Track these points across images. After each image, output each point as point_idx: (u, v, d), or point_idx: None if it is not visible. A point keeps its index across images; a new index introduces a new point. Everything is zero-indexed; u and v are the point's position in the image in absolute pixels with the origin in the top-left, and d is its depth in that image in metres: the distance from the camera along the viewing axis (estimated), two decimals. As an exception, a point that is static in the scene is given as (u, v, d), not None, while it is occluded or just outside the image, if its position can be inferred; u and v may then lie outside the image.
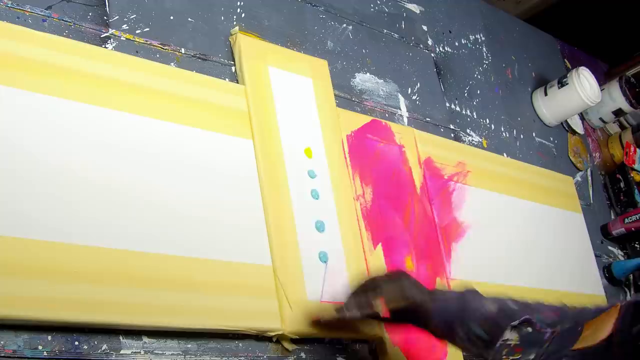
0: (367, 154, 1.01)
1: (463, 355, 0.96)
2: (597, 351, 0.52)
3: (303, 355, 0.82)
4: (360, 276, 0.82)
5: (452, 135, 1.23)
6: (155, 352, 0.70)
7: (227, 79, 0.91)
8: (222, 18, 0.95)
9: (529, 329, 0.62)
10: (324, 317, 0.79)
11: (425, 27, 1.29)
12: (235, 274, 0.77)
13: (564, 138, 1.50)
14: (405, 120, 1.15)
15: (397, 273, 0.79)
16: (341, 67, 1.08)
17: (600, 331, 0.53)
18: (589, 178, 1.52)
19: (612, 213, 1.53)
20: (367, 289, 0.77)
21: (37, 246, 0.65)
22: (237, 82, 0.91)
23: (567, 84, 1.41)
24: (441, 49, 1.30)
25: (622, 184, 1.52)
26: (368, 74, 1.12)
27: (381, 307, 0.75)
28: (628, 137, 1.60)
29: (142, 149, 0.76)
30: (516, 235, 1.20)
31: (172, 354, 0.71)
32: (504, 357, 0.62)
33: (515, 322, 0.63)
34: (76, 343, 0.66)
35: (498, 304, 0.70)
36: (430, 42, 1.28)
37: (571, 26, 1.89)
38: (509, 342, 0.62)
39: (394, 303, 0.75)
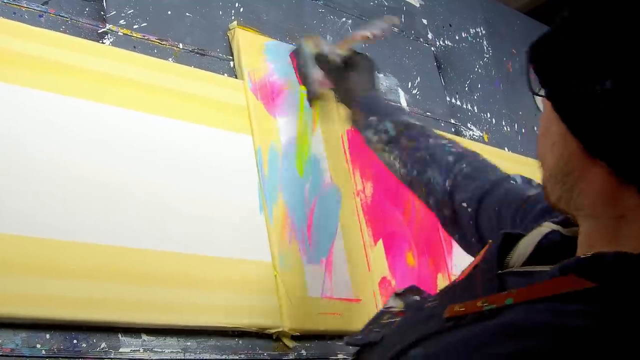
0: (367, 149, 1.00)
1: None
2: (461, 284, 0.51)
3: (303, 352, 0.81)
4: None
5: (453, 129, 1.22)
6: (155, 349, 0.70)
7: (225, 74, 0.90)
8: (220, 13, 0.94)
9: (416, 297, 0.62)
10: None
11: (425, 21, 1.28)
12: (234, 270, 0.77)
13: (566, 132, 1.49)
14: (406, 114, 1.14)
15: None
16: (341, 62, 1.07)
17: (469, 267, 0.52)
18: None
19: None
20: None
21: (35, 243, 0.64)
22: (236, 77, 0.90)
23: (568, 77, 1.40)
24: (441, 42, 1.29)
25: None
26: (368, 68, 1.11)
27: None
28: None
29: (139, 145, 0.76)
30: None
31: (171, 352, 0.71)
32: (383, 321, 0.60)
33: (401, 290, 0.63)
34: (75, 341, 0.65)
35: (425, 125, 0.81)
36: (430, 35, 1.28)
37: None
38: (392, 309, 0.61)
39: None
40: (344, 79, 0.86)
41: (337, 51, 0.89)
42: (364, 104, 0.82)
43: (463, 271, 0.53)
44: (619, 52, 0.39)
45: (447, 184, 0.72)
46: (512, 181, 0.69)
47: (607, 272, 0.41)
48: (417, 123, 0.80)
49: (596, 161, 0.42)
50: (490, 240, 0.53)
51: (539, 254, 0.49)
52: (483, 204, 0.68)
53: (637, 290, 0.40)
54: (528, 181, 0.69)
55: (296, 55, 0.92)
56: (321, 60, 0.90)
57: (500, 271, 0.48)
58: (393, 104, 0.84)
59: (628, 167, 0.41)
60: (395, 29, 1.07)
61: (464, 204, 0.70)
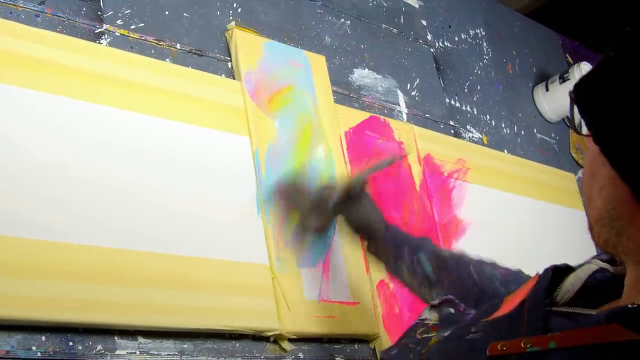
0: (365, 151, 1.00)
1: None
2: (507, 318, 0.50)
3: (301, 355, 0.81)
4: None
5: (452, 131, 1.22)
6: (151, 352, 0.70)
7: (223, 75, 0.90)
8: (218, 13, 0.94)
9: (451, 310, 0.61)
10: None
11: (424, 22, 1.28)
12: (231, 273, 0.77)
13: (566, 134, 1.49)
14: (405, 116, 1.14)
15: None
16: (339, 63, 1.07)
17: (515, 300, 0.51)
18: (591, 174, 1.50)
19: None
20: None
21: (30, 245, 0.64)
22: (234, 78, 0.90)
23: (568, 79, 1.40)
24: (441, 44, 1.29)
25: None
26: (366, 69, 1.11)
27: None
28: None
29: (136, 146, 0.75)
30: (517, 233, 1.19)
31: (168, 355, 0.71)
32: (418, 335, 0.59)
33: (436, 302, 0.62)
34: (70, 343, 0.65)
35: (456, 251, 0.75)
36: (429, 37, 1.27)
37: (572, 20, 1.87)
38: (426, 322, 0.60)
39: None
40: (349, 214, 0.79)
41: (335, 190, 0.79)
42: (388, 239, 0.77)
43: (507, 300, 0.52)
44: None
45: None
46: None
47: None
48: (448, 252, 0.76)
49: None
50: (538, 273, 0.53)
51: (586, 292, 0.49)
52: None
53: None
54: None
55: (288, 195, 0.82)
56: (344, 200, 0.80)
57: (547, 308, 0.48)
58: (412, 235, 0.78)
59: None
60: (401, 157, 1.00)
61: None
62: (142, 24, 0.85)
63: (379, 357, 0.84)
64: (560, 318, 0.46)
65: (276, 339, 0.79)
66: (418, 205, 1.03)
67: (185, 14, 0.90)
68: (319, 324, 0.81)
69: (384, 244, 0.77)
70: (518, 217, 1.21)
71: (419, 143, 1.09)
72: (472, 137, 1.25)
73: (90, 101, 0.74)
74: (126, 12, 0.84)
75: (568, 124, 0.46)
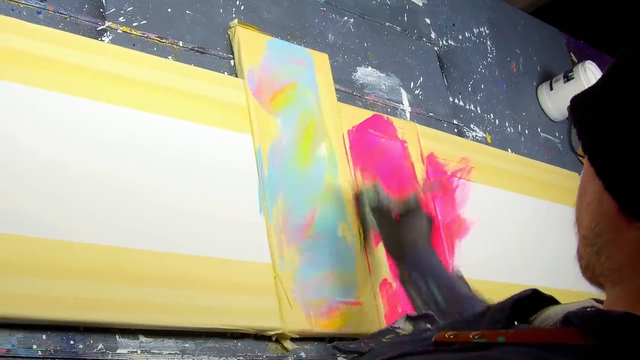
0: (368, 150, 0.99)
1: None
2: (467, 319, 0.48)
3: (303, 354, 0.80)
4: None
5: (456, 130, 1.21)
6: (152, 351, 0.69)
7: (225, 73, 0.89)
8: (221, 10, 0.93)
9: (428, 325, 0.59)
10: None
11: (428, 20, 1.27)
12: (233, 271, 0.76)
13: (570, 133, 1.48)
14: (408, 115, 1.13)
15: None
16: (342, 61, 1.07)
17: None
18: (595, 174, 1.49)
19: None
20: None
21: (31, 243, 0.64)
22: (236, 76, 0.90)
23: (573, 78, 1.39)
24: (444, 42, 1.29)
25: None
26: (370, 67, 1.11)
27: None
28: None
29: (138, 144, 0.75)
30: (521, 233, 1.18)
31: (169, 354, 0.70)
32: (384, 340, 0.57)
33: (415, 315, 0.60)
34: (71, 342, 0.64)
35: (466, 286, 0.74)
36: (433, 35, 1.27)
37: (577, 19, 1.86)
38: (398, 330, 0.59)
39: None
40: (395, 233, 0.82)
41: (390, 201, 0.84)
42: (410, 261, 0.78)
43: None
44: None
45: None
46: None
47: (610, 331, 0.38)
48: (462, 285, 0.75)
49: (630, 223, 0.39)
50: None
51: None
52: None
53: (638, 356, 0.37)
54: None
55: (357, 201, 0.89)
56: (376, 210, 0.86)
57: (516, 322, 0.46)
58: (439, 266, 0.78)
59: None
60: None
61: None
62: (145, 22, 0.84)
63: (332, 346, 0.84)
64: (524, 324, 0.45)
65: (278, 338, 0.78)
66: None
67: (187, 12, 0.90)
68: (321, 323, 0.81)
69: (405, 262, 0.77)
70: (522, 216, 1.20)
71: (422, 142, 1.08)
72: (476, 136, 1.25)
73: (92, 99, 0.73)
74: (128, 9, 0.83)
75: (569, 146, 0.45)
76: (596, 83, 0.43)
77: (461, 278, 0.77)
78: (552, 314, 0.47)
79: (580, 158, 0.44)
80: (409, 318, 0.59)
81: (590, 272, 0.43)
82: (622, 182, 0.39)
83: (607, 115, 0.40)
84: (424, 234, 0.81)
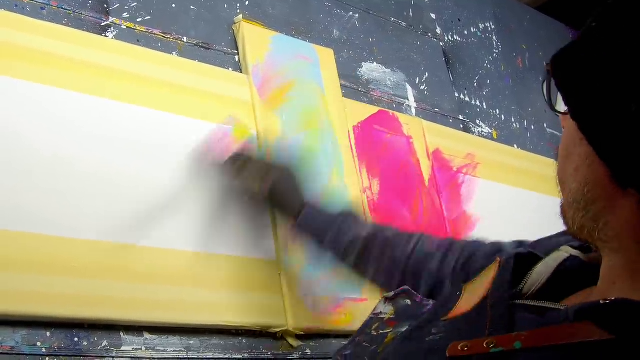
0: (374, 146, 0.99)
1: None
2: (469, 316, 0.45)
3: (308, 351, 0.80)
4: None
5: (462, 126, 1.20)
6: (157, 348, 0.69)
7: (230, 69, 0.89)
8: (225, 6, 0.93)
9: (407, 301, 0.56)
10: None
11: (433, 15, 1.26)
12: (238, 268, 0.76)
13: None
14: (413, 110, 1.12)
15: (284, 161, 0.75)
16: (347, 57, 1.06)
17: (477, 293, 0.46)
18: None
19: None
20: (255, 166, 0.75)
21: (36, 240, 0.63)
22: (241, 72, 0.89)
23: (579, 73, 1.38)
24: (450, 37, 1.28)
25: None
26: (375, 63, 1.10)
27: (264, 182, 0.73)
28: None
29: (143, 140, 0.75)
30: (527, 229, 1.17)
31: (174, 351, 0.70)
32: (373, 331, 0.54)
33: (391, 294, 0.57)
34: (76, 339, 0.64)
35: (373, 229, 0.69)
36: (438, 30, 1.26)
37: (583, 14, 1.85)
38: (382, 316, 0.56)
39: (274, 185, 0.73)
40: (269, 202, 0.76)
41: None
42: (302, 229, 0.73)
43: (467, 290, 0.48)
44: None
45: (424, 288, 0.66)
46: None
47: (628, 323, 0.36)
48: (367, 229, 0.70)
49: (627, 190, 0.37)
50: (499, 259, 0.48)
51: (555, 283, 0.45)
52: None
53: None
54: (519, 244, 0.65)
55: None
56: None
57: (511, 301, 0.44)
58: (329, 217, 0.72)
59: None
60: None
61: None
62: (149, 17, 0.84)
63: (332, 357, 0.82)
64: (527, 314, 0.42)
65: (283, 335, 0.78)
66: (427, 200, 1.02)
67: (192, 7, 0.89)
68: (326, 320, 0.81)
69: (301, 231, 0.73)
70: (528, 212, 1.19)
71: (428, 138, 1.07)
72: (482, 131, 1.24)
73: (95, 95, 0.73)
74: (132, 4, 0.83)
75: (548, 104, 0.42)
76: (579, 40, 0.40)
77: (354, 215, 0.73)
78: (536, 276, 0.46)
79: (559, 114, 0.41)
80: (387, 299, 0.57)
81: (587, 235, 0.41)
82: (615, 148, 0.37)
83: (598, 76, 0.37)
84: (296, 186, 0.74)
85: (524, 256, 0.48)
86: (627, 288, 0.39)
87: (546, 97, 0.42)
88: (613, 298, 0.37)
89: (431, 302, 0.54)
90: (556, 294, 0.45)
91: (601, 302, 0.37)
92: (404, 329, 0.51)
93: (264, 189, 0.74)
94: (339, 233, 0.71)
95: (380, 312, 0.56)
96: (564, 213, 0.43)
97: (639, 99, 0.35)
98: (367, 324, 0.56)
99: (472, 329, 0.43)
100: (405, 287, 0.57)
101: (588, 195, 0.40)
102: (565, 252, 0.46)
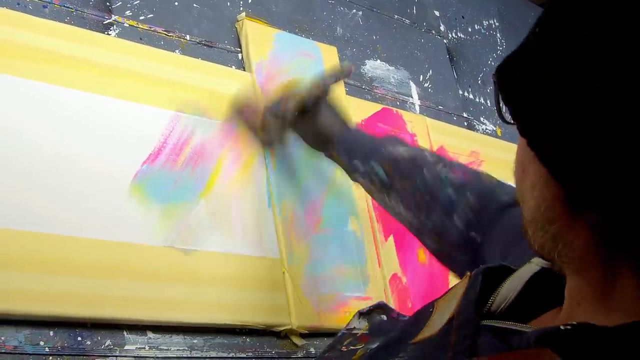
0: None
1: None
2: (435, 341, 0.41)
3: (312, 350, 0.80)
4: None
5: (465, 123, 1.20)
6: (161, 347, 0.69)
7: (233, 67, 0.88)
8: (228, 4, 0.93)
9: (383, 317, 0.53)
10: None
11: (437, 13, 1.26)
12: (242, 267, 0.75)
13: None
14: (417, 108, 1.12)
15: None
16: (351, 54, 1.06)
17: (446, 311, 0.44)
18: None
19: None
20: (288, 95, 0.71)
21: (38, 239, 0.63)
22: (244, 70, 0.89)
23: (583, 70, 1.38)
24: (454, 35, 1.27)
25: None
26: (378, 60, 1.10)
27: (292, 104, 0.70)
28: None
29: (146, 138, 0.74)
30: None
31: (177, 350, 0.70)
32: (343, 347, 0.51)
33: (365, 309, 0.54)
34: (79, 338, 0.64)
35: (414, 152, 0.66)
36: (442, 27, 1.25)
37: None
38: (355, 332, 0.53)
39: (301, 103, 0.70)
40: (306, 126, 0.72)
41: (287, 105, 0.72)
42: (340, 148, 0.70)
43: (438, 307, 0.45)
44: (610, 73, 0.31)
45: (458, 225, 0.62)
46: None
47: (588, 351, 0.34)
48: (404, 154, 0.67)
49: (584, 211, 0.34)
50: (469, 274, 0.45)
51: (526, 298, 0.42)
52: (491, 237, 0.60)
53: None
54: None
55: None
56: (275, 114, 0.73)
57: (480, 321, 0.41)
58: (372, 137, 0.70)
59: (621, 223, 0.33)
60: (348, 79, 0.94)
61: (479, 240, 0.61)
62: (151, 15, 0.84)
63: None
64: (491, 337, 0.39)
65: (287, 334, 0.78)
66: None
67: (194, 5, 0.89)
68: (330, 318, 0.80)
69: (337, 153, 0.70)
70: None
71: (432, 135, 1.07)
72: (486, 129, 1.24)
73: (98, 93, 0.73)
74: (135, 2, 0.83)
75: (498, 115, 0.39)
76: (520, 48, 0.36)
77: (395, 139, 0.69)
78: (505, 292, 0.43)
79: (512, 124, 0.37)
80: (361, 315, 0.54)
81: (547, 254, 0.38)
82: (568, 169, 0.33)
83: (542, 88, 0.33)
84: (339, 114, 0.72)
85: (495, 270, 0.45)
86: (592, 310, 0.36)
87: (496, 108, 0.40)
88: (575, 323, 0.34)
89: (407, 317, 0.52)
90: (526, 310, 0.42)
91: (562, 327, 0.35)
92: (374, 346, 0.48)
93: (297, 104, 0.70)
94: (377, 148, 0.68)
95: (354, 328, 0.54)
96: (524, 230, 0.40)
97: (588, 113, 0.31)
98: (339, 340, 0.53)
99: (435, 352, 0.41)
100: (381, 301, 0.55)
101: (545, 214, 0.36)
102: (536, 264, 0.44)
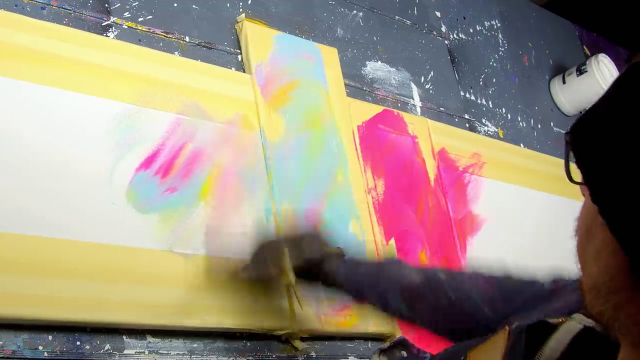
0: (378, 145, 0.98)
1: None
2: None
3: (313, 354, 0.79)
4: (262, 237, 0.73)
5: (467, 125, 1.19)
6: (160, 352, 0.68)
7: (233, 68, 0.88)
8: (228, 5, 0.92)
9: (403, 353, 0.53)
10: (221, 274, 0.71)
11: (438, 13, 1.25)
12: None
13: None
14: (419, 109, 1.11)
15: (299, 230, 0.70)
16: (351, 55, 1.05)
17: None
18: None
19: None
20: (267, 249, 0.69)
21: (37, 243, 0.63)
22: (244, 72, 0.88)
23: (586, 71, 1.37)
24: (455, 35, 1.27)
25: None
26: (379, 62, 1.09)
27: (280, 267, 0.68)
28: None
29: (145, 141, 0.74)
30: (534, 229, 1.16)
31: (177, 354, 0.69)
32: None
33: (386, 346, 0.54)
34: (78, 343, 0.64)
35: (424, 274, 0.63)
36: (443, 28, 1.25)
37: (590, 12, 1.84)
38: None
39: (293, 261, 0.68)
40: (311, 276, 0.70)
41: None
42: (348, 287, 0.67)
43: (470, 357, 0.44)
44: None
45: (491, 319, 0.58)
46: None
47: None
48: (415, 273, 0.64)
49: None
50: (507, 328, 0.44)
51: (570, 357, 0.42)
52: None
53: None
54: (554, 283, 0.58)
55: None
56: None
57: None
58: (370, 262, 0.67)
59: None
60: None
61: None
62: (150, 16, 0.83)
63: None
64: None
65: (288, 338, 0.77)
66: (432, 200, 1.01)
67: (194, 6, 0.88)
68: (331, 322, 0.80)
69: (341, 288, 0.67)
70: (535, 212, 1.18)
71: (433, 137, 1.06)
72: (488, 130, 1.23)
73: (96, 95, 0.72)
74: (134, 4, 0.82)
75: (567, 175, 0.38)
76: (597, 107, 0.34)
77: (398, 262, 0.67)
78: (549, 351, 0.43)
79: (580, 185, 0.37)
80: (382, 352, 0.54)
81: (605, 322, 0.37)
82: (637, 241, 0.32)
83: (620, 155, 0.32)
84: (321, 242, 0.69)
85: (535, 326, 0.45)
86: None
87: (565, 169, 0.38)
88: None
89: (428, 355, 0.51)
90: None
91: None
92: None
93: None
94: (388, 280, 0.65)
95: None
96: (582, 293, 0.39)
97: None
98: None
99: None
100: (402, 337, 0.55)
101: (609, 283, 0.35)
102: (578, 322, 0.43)
